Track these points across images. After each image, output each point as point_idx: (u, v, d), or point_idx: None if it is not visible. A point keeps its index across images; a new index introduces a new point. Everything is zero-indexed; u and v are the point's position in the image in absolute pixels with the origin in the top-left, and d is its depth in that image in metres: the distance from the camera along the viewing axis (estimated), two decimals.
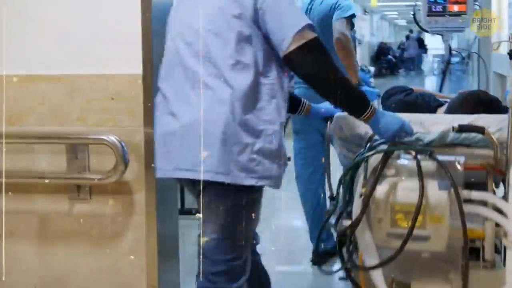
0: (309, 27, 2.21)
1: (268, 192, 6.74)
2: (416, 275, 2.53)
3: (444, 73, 7.40)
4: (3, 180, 2.61)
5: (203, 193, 2.28)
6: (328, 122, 2.83)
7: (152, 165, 2.54)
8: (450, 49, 8.62)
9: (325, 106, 2.79)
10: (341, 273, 3.22)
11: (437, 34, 9.51)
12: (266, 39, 2.22)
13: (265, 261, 4.24)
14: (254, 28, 2.21)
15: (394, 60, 23.58)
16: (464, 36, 12.79)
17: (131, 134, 2.62)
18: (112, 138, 2.54)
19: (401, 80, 19.70)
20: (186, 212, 5.11)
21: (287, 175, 7.25)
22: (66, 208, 2.69)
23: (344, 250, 2.51)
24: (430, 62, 9.98)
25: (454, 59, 8.79)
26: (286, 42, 2.17)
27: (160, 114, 2.42)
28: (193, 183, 2.32)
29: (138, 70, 2.62)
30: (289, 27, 2.18)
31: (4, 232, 2.68)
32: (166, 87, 2.39)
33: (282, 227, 5.07)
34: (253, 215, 2.33)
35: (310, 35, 2.20)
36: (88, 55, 2.65)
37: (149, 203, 2.68)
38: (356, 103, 2.33)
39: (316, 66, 2.20)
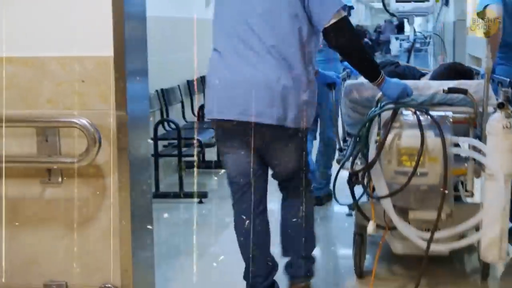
0: (343, 8, 2.87)
1: None
2: (413, 204, 3.21)
3: (409, 51, 8.98)
4: None
5: (265, 133, 2.88)
6: (332, 88, 3.78)
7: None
8: (415, 31, 9.98)
9: (330, 73, 3.53)
10: (347, 211, 4.35)
11: (404, 18, 10.95)
12: (308, 17, 2.86)
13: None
14: (300, 9, 2.83)
15: (370, 43, 23.61)
16: (439, 20, 13.31)
17: (102, 117, 2.59)
18: (83, 121, 2.51)
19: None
20: (160, 195, 5.09)
21: None
22: (37, 192, 2.66)
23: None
24: (396, 43, 10.84)
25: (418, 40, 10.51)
26: (327, 18, 2.82)
27: (218, 69, 2.93)
28: (248, 126, 2.86)
29: (109, 52, 2.58)
30: (330, 7, 2.83)
31: None
32: (226, 48, 2.92)
33: None
34: (303, 146, 3.03)
35: (343, 13, 2.86)
36: (58, 37, 2.60)
37: (122, 186, 2.65)
38: (373, 70, 3.00)
39: (347, 37, 2.88)
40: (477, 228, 3.17)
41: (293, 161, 3.02)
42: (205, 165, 6.15)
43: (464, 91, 3.21)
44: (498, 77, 3.73)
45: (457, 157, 3.16)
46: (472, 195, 3.30)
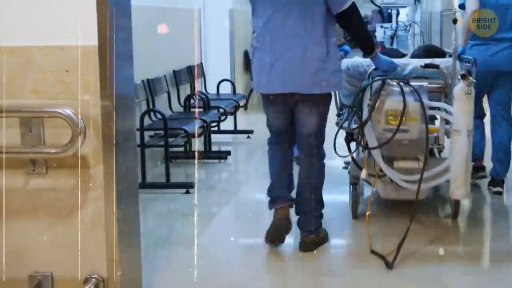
0: None
1: (231, 166, 6.72)
2: (397, 155, 4.10)
3: (392, 38, 10.76)
4: None
5: (307, 99, 3.66)
6: None
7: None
8: (397, 21, 12.15)
9: None
10: (343, 164, 5.13)
11: (387, 8, 12.74)
12: (326, 5, 3.60)
13: (229, 235, 4.27)
14: (322, 1, 3.60)
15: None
16: (426, 9, 13.54)
17: (87, 107, 2.57)
18: (68, 111, 2.49)
19: None
20: (147, 186, 5.07)
21: (250, 149, 7.30)
22: (22, 183, 2.64)
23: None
24: (381, 30, 11.62)
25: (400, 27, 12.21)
26: (342, 4, 3.59)
27: (260, 56, 3.70)
28: (286, 96, 3.69)
29: (94, 41, 2.56)
30: None
31: None
32: (265, 40, 3.67)
33: (246, 200, 5.09)
34: (324, 112, 3.79)
35: (352, 1, 3.62)
36: (42, 26, 2.58)
37: (107, 177, 2.64)
38: (371, 46, 3.84)
39: (355, 19, 3.68)
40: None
41: (314, 121, 3.73)
42: (191, 155, 6.14)
43: (436, 66, 4.09)
44: (466, 57, 4.67)
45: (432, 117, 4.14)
46: (443, 147, 4.40)
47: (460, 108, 3.87)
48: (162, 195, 5.02)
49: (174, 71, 6.45)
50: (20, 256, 2.71)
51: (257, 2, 3.71)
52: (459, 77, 3.90)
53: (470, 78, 3.93)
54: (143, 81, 5.61)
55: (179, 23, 6.74)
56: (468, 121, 3.88)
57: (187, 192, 5.04)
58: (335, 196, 4.73)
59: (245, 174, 6.03)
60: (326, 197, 3.98)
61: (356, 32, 3.79)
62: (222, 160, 6.21)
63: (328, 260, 3.77)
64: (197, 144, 6.18)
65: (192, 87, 6.90)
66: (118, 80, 2.64)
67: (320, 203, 3.90)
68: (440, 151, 4.74)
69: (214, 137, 6.57)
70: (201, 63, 7.58)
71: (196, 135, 5.40)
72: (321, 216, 3.90)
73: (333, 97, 4.45)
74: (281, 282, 3.55)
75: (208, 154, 6.28)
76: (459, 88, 3.87)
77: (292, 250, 3.86)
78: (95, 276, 2.68)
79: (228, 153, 6.27)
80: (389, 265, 3.54)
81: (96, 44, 2.55)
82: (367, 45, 3.84)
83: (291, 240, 3.92)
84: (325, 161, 3.91)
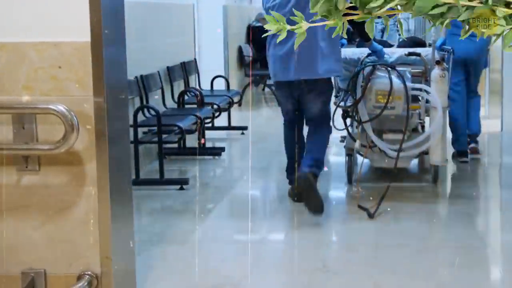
0: None
1: (225, 162, 6.70)
2: (385, 128, 4.90)
3: (382, 31, 12.63)
4: None
5: (312, 84, 4.34)
6: None
7: (102, 134, 2.48)
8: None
9: None
10: (339, 138, 5.81)
11: None
12: None
13: (223, 231, 4.27)
14: None
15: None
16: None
17: (80, 103, 2.56)
18: (61, 107, 2.48)
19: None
20: (141, 182, 5.06)
21: (244, 145, 7.32)
22: (15, 180, 2.63)
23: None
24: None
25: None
26: None
27: (277, 50, 4.33)
28: (295, 83, 4.38)
29: (86, 37, 2.55)
30: None
31: None
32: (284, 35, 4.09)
33: (240, 196, 5.08)
34: (326, 96, 4.52)
35: None
36: (35, 22, 2.57)
37: (101, 173, 2.63)
38: (368, 36, 4.37)
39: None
40: (426, 152, 4.94)
41: (318, 102, 4.38)
42: (186, 151, 6.13)
43: (418, 54, 4.93)
44: (445, 47, 5.41)
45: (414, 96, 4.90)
46: (424, 122, 5.16)
47: (436, 88, 4.72)
48: (156, 192, 5.01)
49: (167, 67, 6.43)
50: (13, 253, 2.70)
51: (274, 9, 4.25)
52: (434, 63, 4.79)
53: (444, 64, 4.86)
54: (136, 77, 5.59)
55: (172, 19, 6.72)
56: (443, 99, 4.75)
57: (181, 188, 5.03)
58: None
59: (240, 170, 6.03)
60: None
61: (359, 26, 4.38)
62: (216, 157, 6.20)
63: (322, 256, 3.77)
64: (193, 140, 6.18)
65: (186, 83, 6.88)
66: (111, 76, 2.63)
67: (322, 155, 4.36)
68: (423, 126, 5.29)
69: (208, 134, 6.56)
70: (195, 59, 7.56)
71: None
72: (319, 161, 4.32)
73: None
74: (277, 279, 3.55)
75: (202, 150, 6.27)
76: (435, 72, 4.77)
77: (288, 247, 3.86)
78: (89, 272, 2.67)
79: (222, 149, 6.27)
80: (371, 215, 4.23)
81: (89, 40, 2.54)
82: (366, 35, 4.53)
83: (288, 238, 3.91)
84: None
